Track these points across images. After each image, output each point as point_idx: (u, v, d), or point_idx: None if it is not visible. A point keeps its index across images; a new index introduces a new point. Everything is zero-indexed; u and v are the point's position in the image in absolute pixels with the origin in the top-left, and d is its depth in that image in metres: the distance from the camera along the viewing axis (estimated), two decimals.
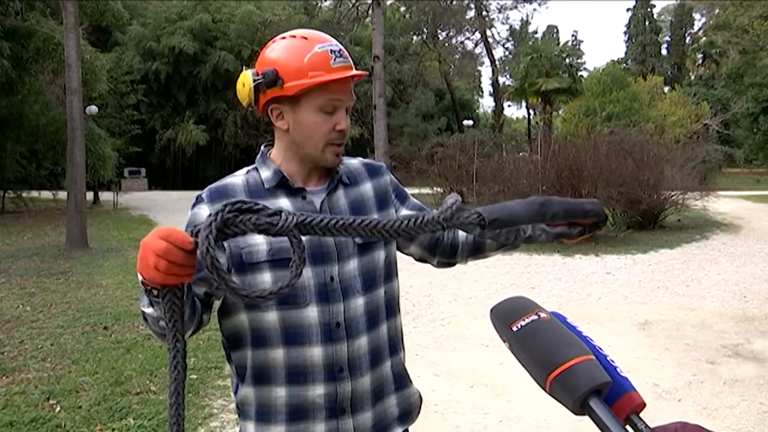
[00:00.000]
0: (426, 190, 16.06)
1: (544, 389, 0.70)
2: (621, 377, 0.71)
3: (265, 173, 1.34)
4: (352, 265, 1.32)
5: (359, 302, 1.32)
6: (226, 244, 1.24)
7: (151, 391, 4.09)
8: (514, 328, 0.75)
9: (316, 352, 1.27)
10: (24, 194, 20.73)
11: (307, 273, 1.26)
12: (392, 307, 1.41)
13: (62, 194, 14.93)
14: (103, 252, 10.63)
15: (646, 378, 4.36)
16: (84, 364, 4.62)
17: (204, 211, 1.28)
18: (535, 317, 0.75)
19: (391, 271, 1.42)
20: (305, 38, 1.28)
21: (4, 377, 4.38)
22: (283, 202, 1.30)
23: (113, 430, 3.50)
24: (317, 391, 1.28)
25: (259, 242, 1.26)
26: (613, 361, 0.73)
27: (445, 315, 6.24)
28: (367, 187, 1.42)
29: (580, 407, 0.67)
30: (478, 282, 7.76)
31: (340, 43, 1.31)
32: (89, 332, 5.55)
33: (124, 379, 4.29)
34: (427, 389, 4.03)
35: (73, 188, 11.13)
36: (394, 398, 1.40)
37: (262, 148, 1.40)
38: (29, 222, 16.46)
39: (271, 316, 1.27)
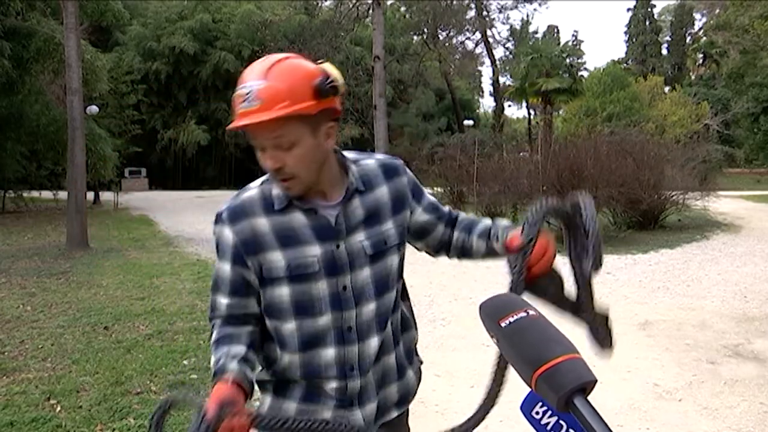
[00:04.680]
0: (426, 190, 16.02)
1: (530, 386, 0.70)
2: None
3: (276, 190, 1.34)
4: (365, 273, 1.37)
5: (371, 307, 1.37)
6: (250, 261, 1.33)
7: (152, 391, 4.08)
8: (503, 324, 0.75)
9: (329, 353, 1.35)
10: (24, 194, 20.75)
11: (323, 285, 1.33)
12: (398, 303, 1.46)
13: (63, 194, 14.93)
14: (103, 252, 10.63)
15: (646, 378, 4.36)
16: (84, 364, 4.62)
17: (227, 233, 1.34)
18: (524, 314, 0.75)
19: (402, 270, 1.48)
20: (242, 76, 1.27)
21: (4, 377, 4.38)
22: (298, 217, 1.33)
23: (114, 430, 3.50)
24: (330, 386, 1.36)
25: (276, 259, 1.32)
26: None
27: (446, 315, 6.24)
28: (383, 191, 1.41)
29: (564, 405, 0.67)
30: (478, 282, 7.75)
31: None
32: (89, 332, 5.54)
33: (124, 379, 4.28)
34: (428, 389, 4.03)
35: (74, 188, 11.14)
36: (395, 386, 1.47)
37: None
38: (30, 222, 16.46)
39: (289, 326, 1.35)
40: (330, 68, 1.28)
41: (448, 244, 1.52)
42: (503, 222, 1.45)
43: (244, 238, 1.32)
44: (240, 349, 1.30)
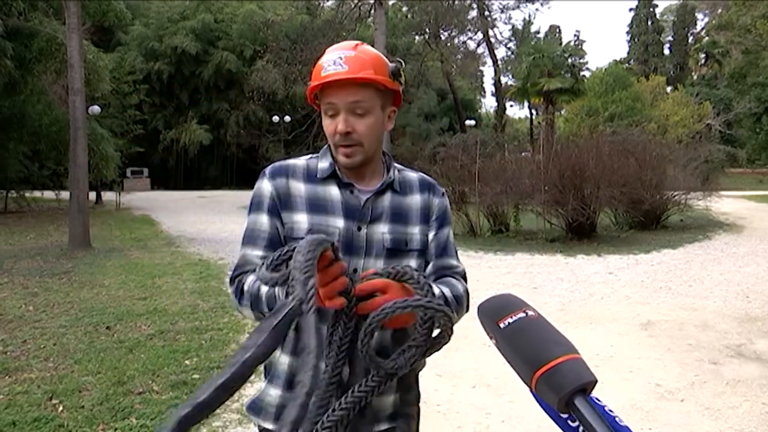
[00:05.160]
0: None
1: (530, 387, 0.70)
2: (620, 426, 0.71)
3: (323, 164, 1.44)
4: (378, 264, 1.39)
5: None
6: (282, 215, 1.40)
7: (154, 390, 4.09)
8: (502, 325, 0.75)
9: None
10: (27, 194, 20.78)
11: None
12: None
13: (65, 194, 14.97)
14: (105, 252, 10.64)
15: (648, 378, 4.35)
16: (86, 364, 4.62)
17: (265, 185, 1.43)
18: (523, 315, 0.75)
19: None
20: (326, 51, 1.40)
21: (7, 377, 4.38)
22: (334, 191, 1.42)
23: (116, 429, 3.51)
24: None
25: (301, 220, 1.39)
26: (599, 400, 0.73)
27: None
28: (416, 199, 1.48)
29: (565, 406, 0.67)
30: (480, 282, 7.75)
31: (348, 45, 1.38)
32: (92, 332, 5.55)
33: (126, 378, 4.29)
34: (430, 389, 4.03)
35: (76, 188, 11.15)
36: (392, 397, 1.40)
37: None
38: (32, 222, 16.48)
39: None
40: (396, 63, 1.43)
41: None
42: (447, 293, 1.39)
43: (280, 192, 1.41)
44: None
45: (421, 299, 1.10)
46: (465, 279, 1.52)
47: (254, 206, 1.43)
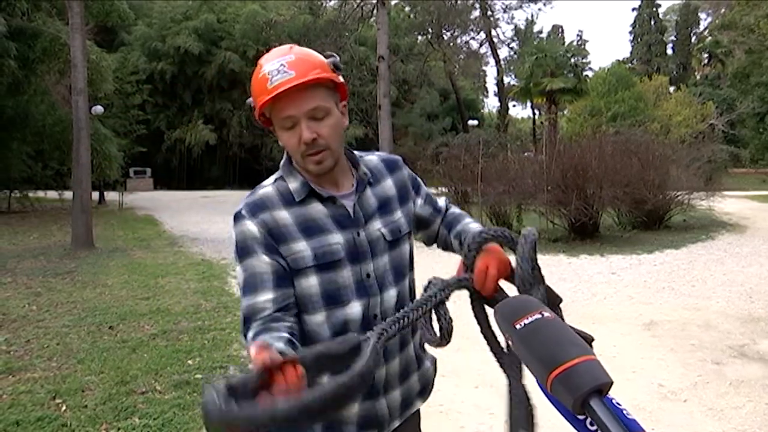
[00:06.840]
0: (431, 190, 16.01)
1: (545, 387, 0.70)
2: (628, 419, 0.71)
3: (293, 184, 1.38)
4: (385, 260, 1.41)
5: (392, 293, 1.41)
6: (281, 250, 1.32)
7: (157, 390, 4.09)
8: (518, 326, 0.75)
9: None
10: (30, 194, 20.84)
11: (347, 272, 1.35)
12: (413, 293, 1.51)
13: (68, 194, 14.99)
14: (108, 252, 10.66)
15: (651, 378, 4.35)
16: (90, 364, 4.63)
17: (251, 226, 1.32)
18: (539, 316, 0.75)
19: (412, 261, 1.52)
20: (260, 63, 1.32)
21: (10, 376, 4.40)
22: (318, 209, 1.37)
23: (119, 429, 3.51)
24: None
25: (302, 248, 1.33)
26: (619, 404, 0.73)
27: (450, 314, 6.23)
28: (389, 184, 1.49)
29: (580, 407, 0.67)
30: None
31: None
32: (95, 332, 5.56)
33: (129, 378, 4.30)
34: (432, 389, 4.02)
35: (79, 188, 11.17)
36: (416, 375, 1.51)
37: (285, 156, 1.42)
38: (35, 222, 16.52)
39: (319, 317, 1.35)
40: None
41: (436, 237, 1.60)
42: (474, 227, 1.47)
43: (269, 228, 1.32)
44: (283, 333, 1.21)
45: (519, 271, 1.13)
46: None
47: (245, 251, 1.31)
